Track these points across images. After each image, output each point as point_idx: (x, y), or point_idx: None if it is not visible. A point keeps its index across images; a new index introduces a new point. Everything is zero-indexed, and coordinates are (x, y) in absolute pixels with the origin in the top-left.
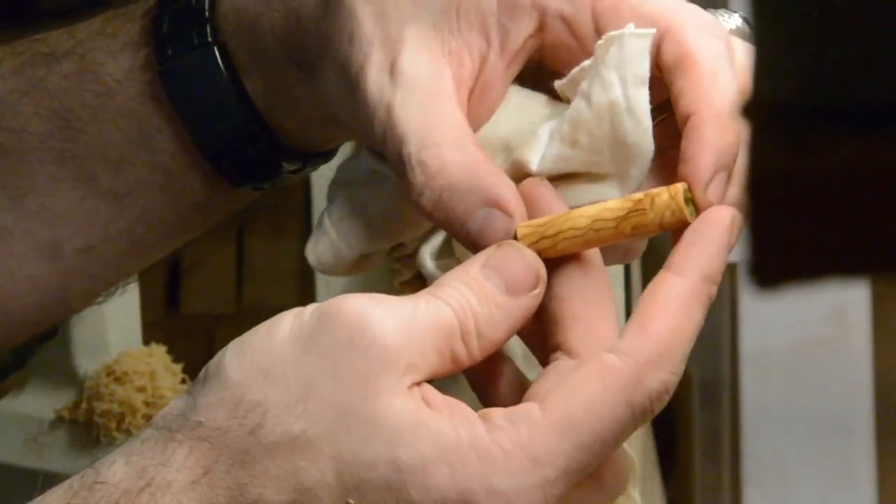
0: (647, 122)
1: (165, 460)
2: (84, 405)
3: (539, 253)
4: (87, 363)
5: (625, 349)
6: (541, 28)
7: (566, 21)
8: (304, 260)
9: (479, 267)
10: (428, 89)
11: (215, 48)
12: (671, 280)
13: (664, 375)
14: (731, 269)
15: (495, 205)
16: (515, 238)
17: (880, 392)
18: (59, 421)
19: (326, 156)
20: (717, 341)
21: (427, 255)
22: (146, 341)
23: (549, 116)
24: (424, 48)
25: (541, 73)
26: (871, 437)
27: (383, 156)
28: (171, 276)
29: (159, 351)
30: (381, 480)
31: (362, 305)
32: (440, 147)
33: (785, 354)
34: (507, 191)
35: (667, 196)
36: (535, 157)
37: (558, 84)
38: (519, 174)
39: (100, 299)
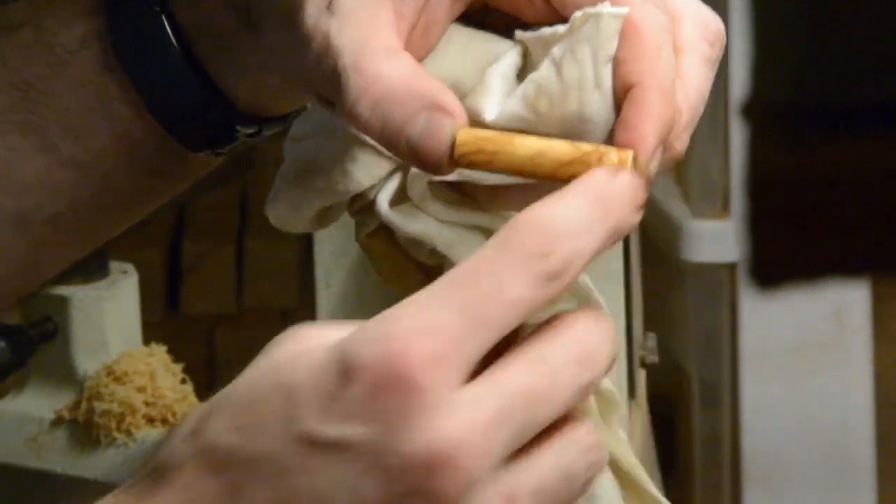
0: (611, 97)
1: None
2: (84, 405)
3: (469, 165)
4: (87, 363)
5: None
6: None
7: None
8: (304, 260)
9: None
10: (364, 18)
11: (163, 16)
12: None
13: None
14: (731, 269)
15: (438, 108)
16: (453, 145)
17: (880, 392)
18: (59, 421)
19: (283, 120)
20: (717, 341)
21: (384, 201)
22: (146, 341)
23: (493, 54)
24: None
25: (486, 10)
26: (871, 437)
27: (330, 102)
28: (171, 276)
29: (159, 351)
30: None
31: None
32: (378, 55)
33: (785, 354)
34: (449, 96)
35: (616, 159)
36: (490, 107)
37: (521, 34)
38: (471, 121)
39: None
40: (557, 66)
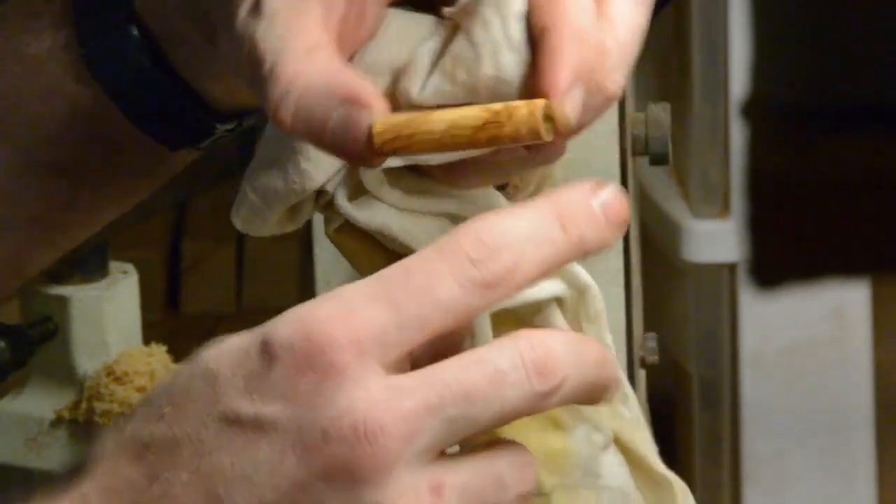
0: (526, 55)
1: None
2: (84, 405)
3: (393, 152)
4: (87, 363)
5: None
6: None
7: None
8: (304, 260)
9: None
10: (289, 16)
11: (133, 26)
12: None
13: None
14: (731, 269)
15: (352, 101)
16: (371, 135)
17: (880, 392)
18: (59, 421)
19: (261, 111)
20: (717, 341)
21: (342, 196)
22: (146, 341)
23: (430, 37)
24: None
25: None
26: (871, 437)
27: None
28: (171, 276)
29: (159, 351)
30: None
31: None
32: (295, 56)
33: (785, 354)
34: (364, 87)
35: (525, 111)
36: (416, 85)
37: (447, 10)
38: (402, 102)
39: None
40: (467, 32)
